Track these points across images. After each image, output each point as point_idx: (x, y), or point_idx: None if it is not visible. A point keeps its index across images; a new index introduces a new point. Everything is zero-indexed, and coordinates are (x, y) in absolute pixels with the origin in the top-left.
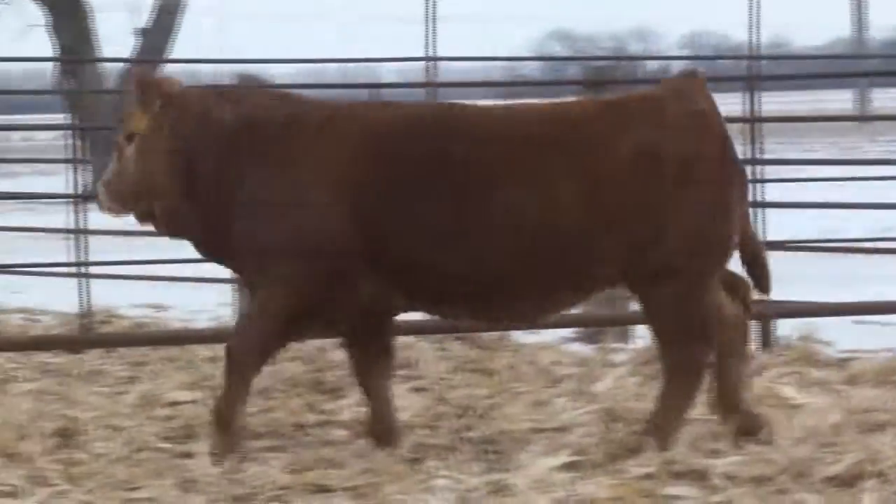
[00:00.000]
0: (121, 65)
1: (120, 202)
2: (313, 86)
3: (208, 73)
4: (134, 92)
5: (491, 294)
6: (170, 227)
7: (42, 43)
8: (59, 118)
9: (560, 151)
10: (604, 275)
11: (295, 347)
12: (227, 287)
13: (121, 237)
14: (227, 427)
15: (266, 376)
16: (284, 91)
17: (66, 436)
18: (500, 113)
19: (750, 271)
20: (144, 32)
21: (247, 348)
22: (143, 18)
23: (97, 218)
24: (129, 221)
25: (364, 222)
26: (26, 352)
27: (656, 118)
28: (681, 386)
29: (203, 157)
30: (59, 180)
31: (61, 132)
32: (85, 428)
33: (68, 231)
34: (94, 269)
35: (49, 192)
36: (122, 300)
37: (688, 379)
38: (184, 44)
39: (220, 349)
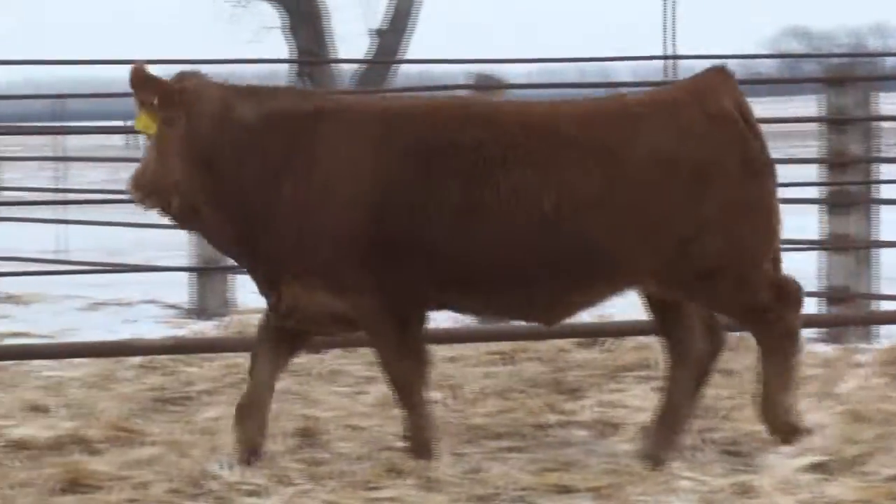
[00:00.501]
0: (355, 66)
1: (143, 194)
2: (549, 85)
3: (442, 75)
4: (131, 88)
5: (507, 288)
6: (185, 224)
7: (277, 44)
8: None
9: (576, 152)
10: (622, 275)
11: (533, 348)
12: None
13: None
14: (428, 450)
15: (505, 377)
16: (306, 89)
17: (308, 435)
18: (520, 107)
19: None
20: (379, 33)
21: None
22: (378, 19)
23: None
24: None
25: (393, 215)
26: None
27: (670, 122)
28: (780, 361)
29: (225, 156)
30: None
31: None
32: (326, 427)
33: None
34: None
35: None
36: None
37: (785, 351)
38: (417, 45)
39: (459, 348)
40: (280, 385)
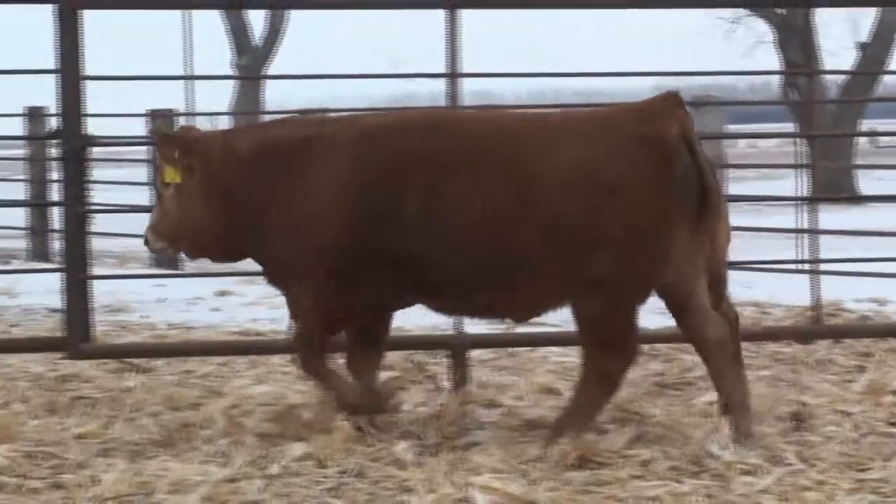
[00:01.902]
0: (842, 77)
1: (167, 241)
2: None
3: None
4: (158, 147)
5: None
6: (225, 256)
7: (768, 57)
8: (785, 127)
9: (499, 162)
10: (548, 282)
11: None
12: None
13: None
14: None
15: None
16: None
17: (799, 419)
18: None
19: (708, 285)
20: (864, 46)
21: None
22: (864, 33)
23: (827, 218)
24: (858, 222)
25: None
26: (759, 342)
27: (596, 139)
28: (588, 394)
29: (232, 188)
30: (785, 184)
31: (786, 140)
32: (816, 412)
33: (797, 231)
34: (822, 266)
35: (776, 194)
36: (848, 294)
37: (597, 389)
38: None
39: None
40: (772, 372)
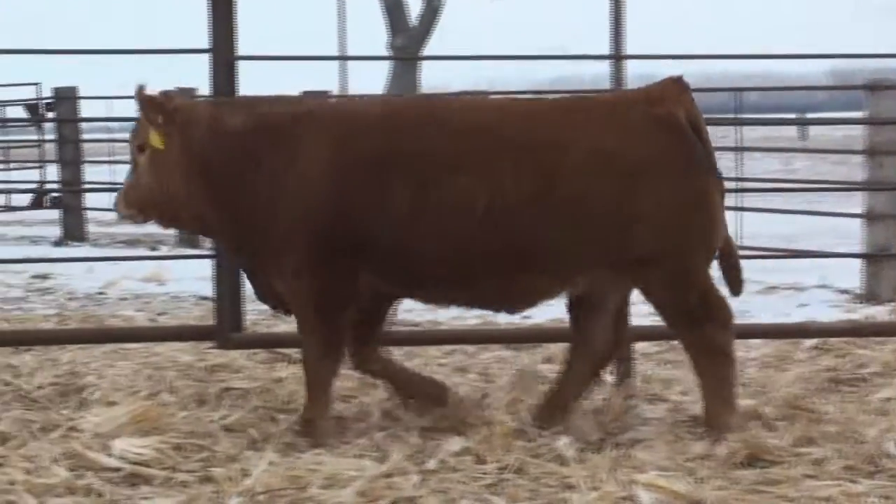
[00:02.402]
0: None
1: (137, 210)
2: None
3: None
4: (139, 109)
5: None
6: (201, 230)
7: None
8: None
9: (518, 147)
10: (566, 265)
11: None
12: None
13: None
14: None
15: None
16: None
17: None
18: (474, 104)
19: (724, 273)
20: None
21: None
22: None
23: None
24: None
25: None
26: None
27: (615, 121)
28: (710, 377)
29: (218, 163)
30: None
31: None
32: None
33: None
34: None
35: None
36: None
37: (714, 368)
38: None
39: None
40: None
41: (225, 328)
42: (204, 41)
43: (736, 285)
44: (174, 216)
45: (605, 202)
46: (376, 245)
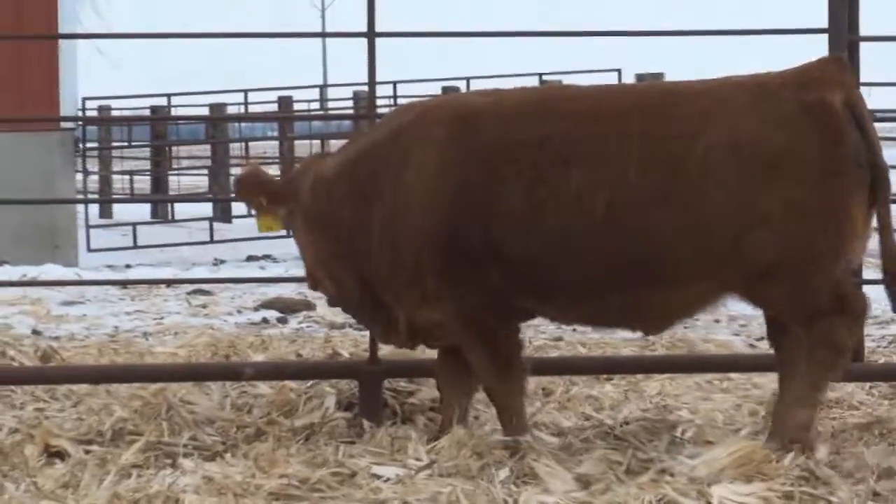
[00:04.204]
0: None
1: (312, 283)
2: None
3: None
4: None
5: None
6: (340, 301)
7: None
8: None
9: (642, 139)
10: (696, 274)
11: None
12: None
13: None
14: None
15: None
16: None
17: None
18: (594, 91)
19: (886, 287)
20: None
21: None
22: None
23: None
24: None
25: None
26: None
27: (757, 107)
28: (814, 371)
29: (328, 217)
30: None
31: None
32: None
33: None
34: None
35: None
36: None
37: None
38: None
39: None
40: None
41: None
42: (822, 20)
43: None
44: (330, 287)
45: (728, 201)
46: (498, 249)
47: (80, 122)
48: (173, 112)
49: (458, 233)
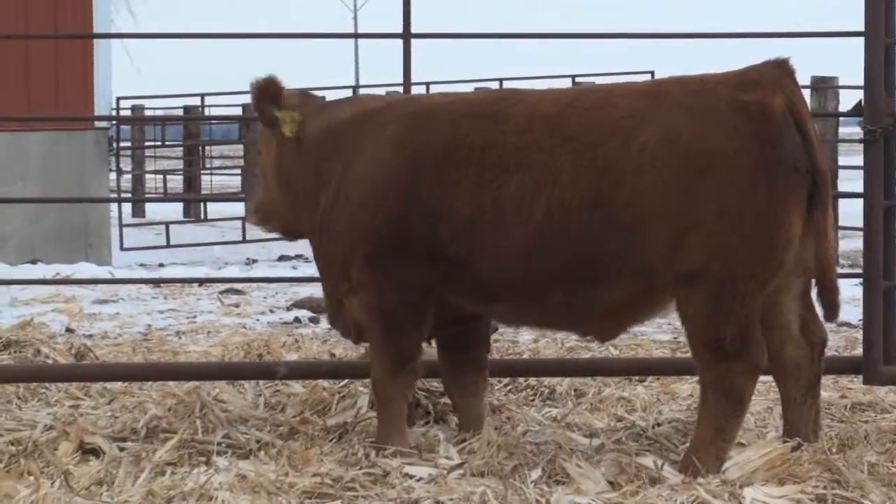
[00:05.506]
0: None
1: (260, 218)
2: None
3: None
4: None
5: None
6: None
7: None
8: None
9: (576, 142)
10: (633, 272)
11: None
12: None
13: None
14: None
15: None
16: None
17: None
18: (537, 96)
19: (819, 295)
20: None
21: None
22: None
23: None
24: None
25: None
26: None
27: (690, 103)
28: (712, 418)
29: (298, 174)
30: None
31: None
32: None
33: None
34: None
35: None
36: None
37: (720, 409)
38: None
39: None
40: None
41: (874, 360)
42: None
43: (832, 309)
44: (286, 227)
45: (663, 199)
46: (444, 249)
47: (114, 122)
48: (206, 112)
49: (402, 231)
